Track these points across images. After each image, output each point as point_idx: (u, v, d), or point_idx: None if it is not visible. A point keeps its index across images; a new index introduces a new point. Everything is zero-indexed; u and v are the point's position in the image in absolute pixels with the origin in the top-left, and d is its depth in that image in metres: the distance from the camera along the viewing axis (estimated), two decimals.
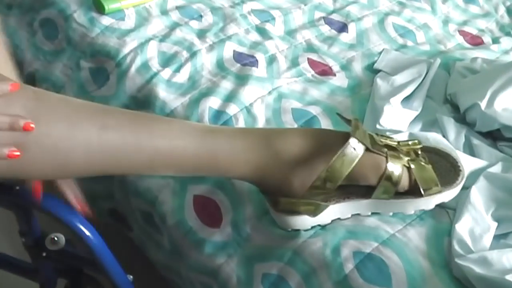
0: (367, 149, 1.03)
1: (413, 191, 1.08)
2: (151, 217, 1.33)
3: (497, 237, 1.13)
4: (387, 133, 1.24)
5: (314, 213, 1.08)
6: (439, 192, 1.09)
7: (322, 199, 1.07)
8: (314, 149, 1.04)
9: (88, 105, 0.97)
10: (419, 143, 1.11)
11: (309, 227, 1.12)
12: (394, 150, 1.07)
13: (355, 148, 1.02)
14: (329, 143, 1.05)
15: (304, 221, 1.10)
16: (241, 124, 1.31)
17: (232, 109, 1.33)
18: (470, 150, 1.30)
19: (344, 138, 1.03)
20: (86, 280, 1.32)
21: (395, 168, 1.05)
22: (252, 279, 1.15)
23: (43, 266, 1.26)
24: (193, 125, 1.06)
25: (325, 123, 1.33)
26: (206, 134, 1.02)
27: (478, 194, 1.16)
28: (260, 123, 1.32)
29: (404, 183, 1.07)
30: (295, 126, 1.32)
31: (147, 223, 1.36)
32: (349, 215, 1.12)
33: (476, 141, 1.30)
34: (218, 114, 1.32)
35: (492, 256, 1.05)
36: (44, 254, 1.19)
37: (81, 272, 1.30)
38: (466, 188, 1.17)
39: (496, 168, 1.21)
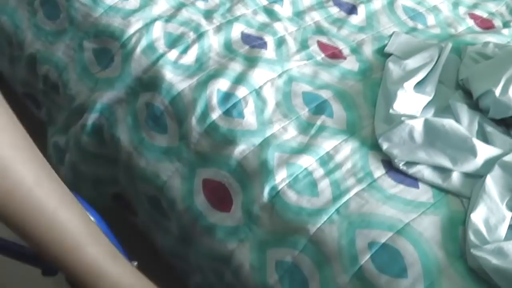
0: None
1: None
2: (158, 203, 1.31)
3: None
4: (402, 118, 1.22)
5: None
6: None
7: None
8: None
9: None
10: None
11: None
12: None
13: None
14: None
15: None
16: (250, 107, 1.28)
17: (241, 92, 1.30)
18: (483, 137, 1.28)
19: None
20: None
21: None
22: (265, 266, 1.13)
23: None
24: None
25: (337, 107, 1.31)
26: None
27: (492, 183, 1.14)
28: (270, 107, 1.29)
29: None
30: (306, 109, 1.30)
31: (154, 208, 1.34)
32: None
33: (489, 129, 1.28)
34: (227, 96, 1.29)
35: (508, 247, 1.04)
36: None
37: None
38: (480, 176, 1.16)
39: (511, 157, 1.19)
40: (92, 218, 1.10)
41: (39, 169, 0.88)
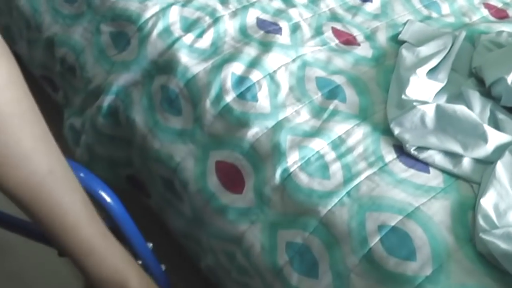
0: None
1: None
2: (171, 184, 1.33)
3: None
4: (414, 103, 1.23)
5: None
6: None
7: None
8: None
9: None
10: None
11: None
12: None
13: None
14: None
15: None
16: (264, 90, 1.29)
17: (255, 76, 1.31)
18: (495, 124, 1.28)
19: None
20: None
21: None
22: (276, 247, 1.15)
23: None
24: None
25: (349, 93, 1.32)
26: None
27: (503, 169, 1.15)
28: (284, 91, 1.31)
29: None
30: (319, 94, 1.31)
31: (167, 190, 1.35)
32: None
33: (501, 116, 1.29)
34: (241, 80, 1.31)
35: None
36: None
37: None
38: (491, 162, 1.17)
39: None
40: (108, 199, 1.14)
41: (53, 158, 0.93)
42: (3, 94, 0.84)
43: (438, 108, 1.21)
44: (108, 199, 1.13)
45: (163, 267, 1.27)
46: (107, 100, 1.41)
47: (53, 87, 1.71)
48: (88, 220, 1.00)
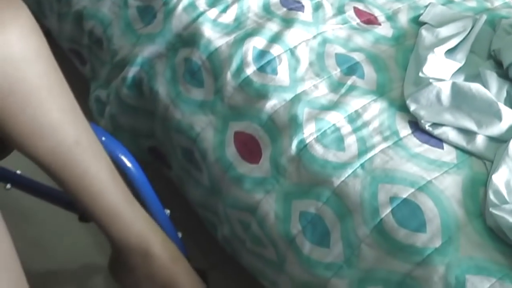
0: None
1: None
2: (191, 154, 1.36)
3: None
4: (430, 80, 1.24)
5: None
6: None
7: None
8: None
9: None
10: None
11: None
12: None
13: None
14: None
15: None
16: (284, 64, 1.32)
17: (276, 50, 1.34)
18: (511, 105, 1.29)
19: None
20: None
21: None
22: (290, 216, 1.17)
23: None
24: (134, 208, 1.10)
25: (368, 69, 1.34)
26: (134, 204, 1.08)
27: None
28: (303, 66, 1.33)
29: None
30: (338, 70, 1.33)
31: (187, 160, 1.39)
32: None
33: None
34: (262, 54, 1.34)
35: None
36: None
37: None
38: (505, 141, 1.18)
39: None
40: (128, 163, 1.17)
41: (80, 129, 0.97)
42: (32, 68, 0.89)
43: (454, 86, 1.23)
44: (128, 164, 1.17)
45: (179, 234, 1.30)
46: (132, 72, 1.45)
47: (81, 60, 1.75)
48: (114, 188, 1.04)
